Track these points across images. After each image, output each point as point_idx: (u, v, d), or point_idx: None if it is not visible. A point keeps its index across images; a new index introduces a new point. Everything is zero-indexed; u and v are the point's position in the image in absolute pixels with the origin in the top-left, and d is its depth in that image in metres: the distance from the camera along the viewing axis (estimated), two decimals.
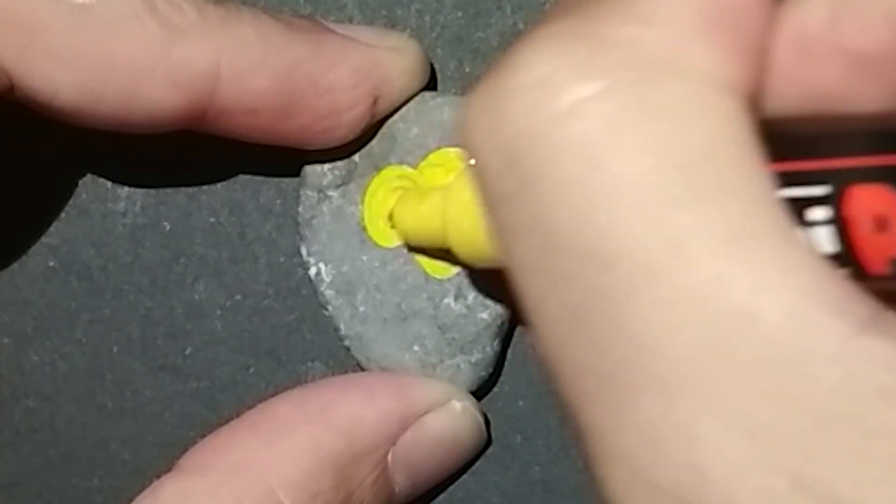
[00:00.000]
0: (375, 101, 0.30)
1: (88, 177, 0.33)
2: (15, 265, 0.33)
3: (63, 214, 0.33)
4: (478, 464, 0.33)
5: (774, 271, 0.18)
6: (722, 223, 0.18)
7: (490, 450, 0.33)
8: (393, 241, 0.31)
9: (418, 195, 0.30)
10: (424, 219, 0.29)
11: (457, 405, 0.31)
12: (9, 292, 0.33)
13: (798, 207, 0.19)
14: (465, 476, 0.33)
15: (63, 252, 0.33)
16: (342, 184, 0.31)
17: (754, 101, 0.20)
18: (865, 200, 0.18)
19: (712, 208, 0.18)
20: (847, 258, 0.19)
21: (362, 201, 0.31)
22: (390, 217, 0.31)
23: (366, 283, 0.31)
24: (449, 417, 0.31)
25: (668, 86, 0.19)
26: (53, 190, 0.33)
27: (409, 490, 0.31)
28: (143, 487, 0.29)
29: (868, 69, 0.20)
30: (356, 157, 0.31)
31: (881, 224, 0.18)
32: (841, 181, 0.19)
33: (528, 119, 0.19)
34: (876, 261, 0.18)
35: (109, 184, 0.33)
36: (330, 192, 0.32)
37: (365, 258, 0.31)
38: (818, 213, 0.19)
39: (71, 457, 0.34)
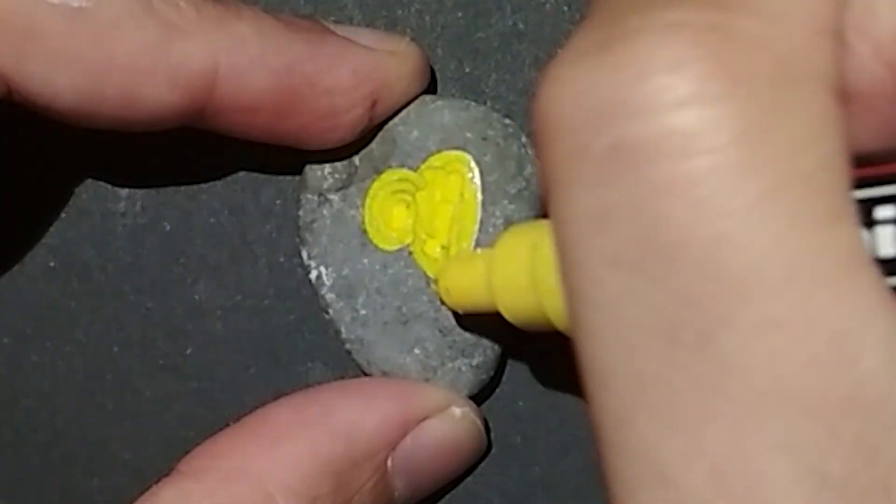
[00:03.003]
0: (374, 105, 0.30)
1: (88, 177, 0.33)
2: (15, 265, 0.33)
3: (63, 215, 0.33)
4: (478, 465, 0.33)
5: (877, 308, 0.17)
6: (838, 249, 0.17)
7: (491, 450, 0.33)
8: (393, 244, 0.31)
9: (466, 257, 0.29)
10: (470, 289, 0.28)
11: (456, 411, 0.31)
12: (9, 292, 0.33)
13: (867, 206, 0.19)
14: (465, 477, 0.33)
15: (63, 252, 0.33)
16: (342, 187, 0.31)
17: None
18: None
19: (831, 231, 0.17)
20: None
21: (363, 204, 0.31)
22: (435, 282, 0.30)
23: (366, 287, 0.31)
24: (449, 423, 0.31)
25: (799, 92, 0.18)
26: (53, 190, 0.33)
27: (409, 496, 0.31)
28: (143, 488, 0.29)
29: (860, 107, 0.19)
30: (356, 160, 0.31)
31: None
32: None
33: (652, 107, 0.18)
34: None
35: (109, 184, 0.33)
36: (330, 196, 0.31)
37: (366, 261, 0.31)
38: (887, 211, 0.19)
39: (71, 457, 0.34)
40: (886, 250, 0.18)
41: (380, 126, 0.31)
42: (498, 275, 0.27)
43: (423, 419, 0.30)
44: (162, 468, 0.30)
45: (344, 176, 0.31)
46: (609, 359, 0.18)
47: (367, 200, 0.31)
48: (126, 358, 0.34)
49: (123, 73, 0.28)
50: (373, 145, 0.31)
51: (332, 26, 0.30)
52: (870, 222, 0.19)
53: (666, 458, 0.18)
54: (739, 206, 0.17)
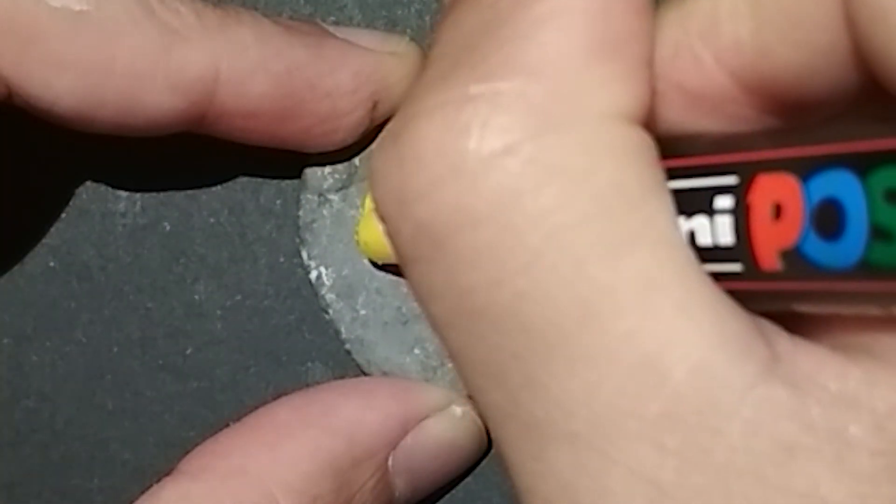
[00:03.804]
0: (375, 106, 0.30)
1: (88, 177, 0.33)
2: (15, 265, 0.33)
3: (63, 215, 0.33)
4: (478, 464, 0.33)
5: (682, 323, 0.18)
6: (630, 277, 0.18)
7: (490, 450, 0.33)
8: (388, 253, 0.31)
9: (375, 218, 0.30)
10: (384, 242, 0.29)
11: (457, 410, 0.31)
12: (9, 292, 0.33)
13: (708, 196, 0.19)
14: (465, 476, 0.33)
15: (63, 252, 0.33)
16: (343, 187, 0.31)
17: (652, 114, 0.20)
18: (767, 187, 0.19)
19: (621, 262, 0.18)
20: (743, 251, 0.19)
21: (362, 205, 0.31)
22: (356, 233, 0.31)
23: (366, 287, 0.31)
24: (449, 422, 0.31)
25: (567, 135, 0.19)
26: (53, 190, 0.33)
27: (409, 494, 0.31)
28: (143, 488, 0.29)
29: (705, 106, 0.20)
30: (357, 161, 0.31)
31: (778, 210, 0.18)
32: (748, 171, 0.19)
33: (432, 188, 0.19)
34: (768, 253, 0.19)
35: (109, 184, 0.33)
36: (330, 196, 0.31)
37: (366, 261, 0.31)
38: (725, 201, 0.19)
39: (71, 457, 0.34)
40: (725, 239, 0.19)
41: (381, 126, 0.31)
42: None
43: (424, 418, 0.31)
44: (162, 468, 0.30)
45: (344, 176, 0.31)
46: (475, 395, 0.20)
47: (360, 204, 0.31)
48: (126, 358, 0.34)
49: (124, 77, 0.28)
50: (373, 146, 0.31)
51: (331, 28, 0.30)
52: (711, 211, 0.19)
53: (529, 479, 0.19)
54: (528, 261, 0.18)
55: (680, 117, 0.20)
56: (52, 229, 0.33)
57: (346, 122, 0.30)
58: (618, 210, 0.18)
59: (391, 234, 0.20)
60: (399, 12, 0.32)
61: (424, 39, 0.32)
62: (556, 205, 0.18)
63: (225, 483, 0.29)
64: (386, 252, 0.30)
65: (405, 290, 0.31)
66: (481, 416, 0.21)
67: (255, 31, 0.28)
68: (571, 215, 0.18)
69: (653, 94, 0.20)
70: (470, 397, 0.20)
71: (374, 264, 0.31)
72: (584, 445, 0.18)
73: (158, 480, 0.29)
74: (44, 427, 0.34)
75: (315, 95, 0.29)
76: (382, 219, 0.20)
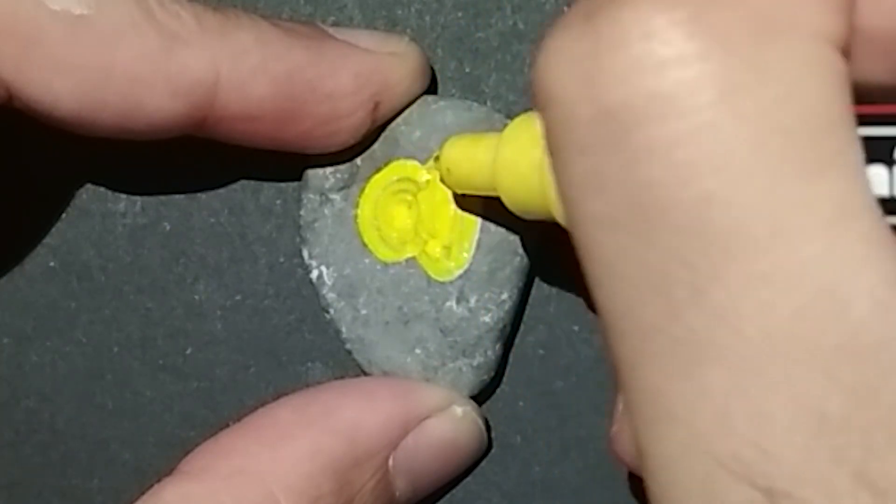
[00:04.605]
0: (376, 107, 0.30)
1: (89, 177, 0.33)
2: (15, 265, 0.33)
3: (63, 215, 0.33)
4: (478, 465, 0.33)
5: (870, 256, 0.18)
6: (825, 201, 0.18)
7: (491, 450, 0.33)
8: (394, 245, 0.31)
9: (471, 138, 0.29)
10: (476, 162, 0.28)
11: (458, 410, 0.31)
12: (9, 292, 0.33)
13: (889, 146, 0.19)
14: (465, 476, 0.33)
15: (63, 252, 0.33)
16: (344, 187, 0.31)
17: (848, 51, 0.19)
18: None
19: (817, 183, 0.18)
20: None
21: (358, 206, 0.31)
22: (436, 159, 0.30)
23: (367, 287, 0.31)
24: (450, 422, 0.31)
25: (779, 45, 0.18)
26: (53, 190, 0.33)
27: (410, 495, 0.31)
28: (143, 488, 0.29)
29: (881, 50, 0.20)
30: (358, 161, 0.31)
31: None
32: None
33: (634, 71, 0.18)
34: None
35: (110, 184, 0.33)
36: (332, 196, 0.31)
37: (367, 261, 0.31)
38: None
39: (71, 457, 0.34)
40: None
41: (382, 127, 0.31)
42: (503, 160, 0.26)
43: (425, 418, 0.31)
44: (162, 468, 0.30)
45: (346, 176, 0.31)
46: (615, 310, 0.19)
47: (362, 203, 0.31)
48: (126, 358, 0.34)
49: (124, 81, 0.28)
50: (375, 145, 0.31)
51: (331, 29, 0.30)
52: (890, 161, 0.19)
53: (673, 400, 0.18)
54: (719, 166, 0.18)
55: (857, 61, 0.20)
56: (52, 229, 0.33)
57: (348, 123, 0.30)
58: (821, 130, 0.18)
59: (560, 120, 0.19)
60: (399, 12, 0.32)
61: (424, 39, 0.32)
62: (762, 110, 0.18)
63: (225, 483, 0.29)
64: (471, 181, 0.28)
65: (406, 290, 0.31)
66: (613, 334, 0.19)
67: (256, 34, 0.28)
68: (775, 123, 0.18)
69: (851, 32, 0.19)
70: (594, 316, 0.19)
71: (455, 196, 0.31)
72: (747, 367, 0.18)
73: (158, 480, 0.29)
74: (44, 427, 0.34)
75: (316, 97, 0.29)
76: (551, 102, 0.19)
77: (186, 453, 0.30)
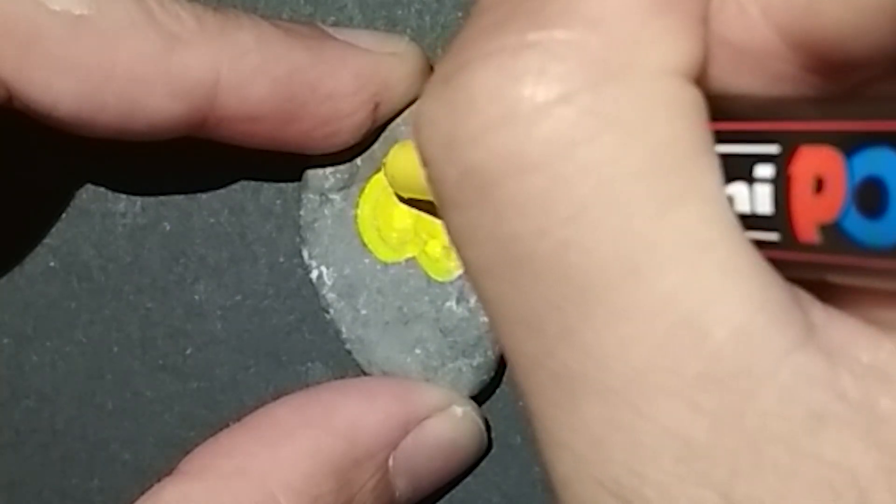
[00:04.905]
0: (376, 107, 0.30)
1: (88, 177, 0.33)
2: (15, 265, 0.33)
3: (63, 215, 0.33)
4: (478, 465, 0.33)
5: (726, 284, 0.18)
6: (677, 233, 0.18)
7: (491, 450, 0.33)
8: (393, 245, 0.31)
9: (405, 152, 0.29)
10: (413, 176, 0.29)
11: (458, 410, 0.31)
12: (9, 292, 0.33)
13: (749, 163, 0.19)
14: (465, 476, 0.33)
15: (63, 252, 0.33)
16: (344, 187, 0.31)
17: (704, 73, 0.20)
18: (810, 160, 0.18)
19: (669, 218, 0.18)
20: (781, 221, 0.19)
21: (358, 206, 0.31)
22: (383, 165, 0.31)
23: (367, 287, 0.31)
24: (450, 422, 0.31)
25: (618, 89, 0.18)
26: (53, 190, 0.33)
27: (410, 495, 0.31)
28: (143, 488, 0.29)
29: (748, 62, 0.20)
30: (358, 161, 0.31)
31: (819, 184, 0.18)
32: (791, 141, 0.19)
33: (484, 133, 0.19)
34: (807, 226, 0.18)
35: (109, 184, 0.33)
36: (332, 196, 0.31)
37: (367, 261, 0.31)
38: (766, 170, 0.19)
39: (71, 457, 0.34)
40: (763, 208, 0.19)
41: (382, 126, 0.31)
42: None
43: (425, 418, 0.31)
44: (162, 468, 0.30)
45: (346, 176, 0.31)
46: (504, 344, 0.20)
47: (362, 203, 0.31)
48: (126, 358, 0.34)
49: (124, 81, 0.28)
50: (375, 146, 0.31)
51: (331, 30, 0.30)
52: (750, 179, 0.19)
53: (558, 429, 0.19)
54: (574, 214, 0.18)
55: (723, 74, 0.20)
56: (52, 229, 0.33)
57: (348, 123, 0.30)
58: (669, 166, 0.18)
59: (434, 179, 0.20)
60: (399, 12, 0.32)
61: (424, 39, 0.32)
62: (608, 157, 0.18)
63: (225, 483, 0.29)
64: (412, 186, 0.29)
65: (406, 290, 0.31)
66: (510, 366, 0.20)
67: (256, 35, 0.28)
68: (623, 168, 0.18)
69: (706, 52, 0.20)
70: (501, 355, 0.19)
71: (400, 197, 0.31)
72: (617, 400, 0.18)
73: (158, 480, 0.29)
74: (44, 427, 0.34)
75: (316, 98, 0.29)
76: (425, 163, 0.20)
77: (186, 453, 0.30)
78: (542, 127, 0.18)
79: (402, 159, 0.30)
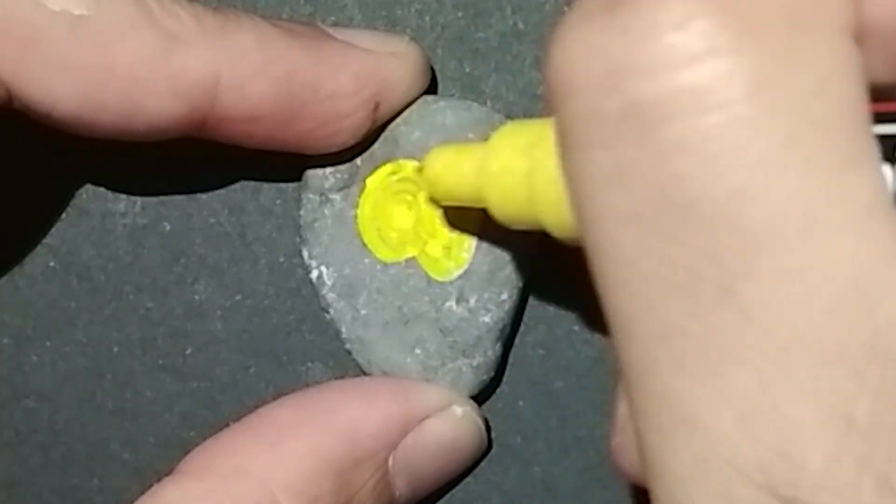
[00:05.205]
0: (376, 107, 0.30)
1: (88, 177, 0.33)
2: (15, 265, 0.33)
3: (63, 215, 0.33)
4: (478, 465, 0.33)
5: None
6: (857, 196, 0.17)
7: (491, 450, 0.33)
8: (393, 246, 0.31)
9: (454, 149, 0.28)
10: (461, 174, 0.27)
11: (458, 410, 0.31)
12: (9, 292, 0.33)
13: (892, 143, 0.19)
14: (465, 476, 0.33)
15: (63, 252, 0.33)
16: (344, 187, 0.31)
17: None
18: None
19: (849, 178, 0.17)
20: None
21: (357, 206, 0.31)
22: (419, 171, 0.30)
23: (367, 287, 0.31)
24: (450, 422, 0.31)
25: (810, 38, 0.18)
26: (53, 190, 0.33)
27: (410, 495, 0.31)
28: (143, 488, 0.29)
29: (883, 41, 0.19)
30: (358, 161, 0.31)
31: None
32: None
33: (663, 65, 0.18)
34: None
35: (109, 184, 0.33)
36: (332, 196, 0.31)
37: (367, 261, 0.31)
38: None
39: (71, 457, 0.34)
40: None
41: (382, 127, 0.31)
42: (491, 172, 0.26)
43: (425, 418, 0.31)
44: (162, 468, 0.30)
45: (346, 176, 0.31)
46: (631, 310, 0.19)
47: (362, 203, 0.31)
48: (126, 358, 0.34)
49: (124, 82, 0.28)
50: (375, 145, 0.31)
51: (331, 30, 0.30)
52: (894, 159, 0.19)
53: (693, 405, 0.18)
54: (753, 160, 0.17)
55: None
56: (52, 229, 0.33)
57: (348, 123, 0.30)
58: (850, 123, 0.18)
59: (581, 114, 0.19)
60: (399, 12, 0.32)
61: (424, 39, 0.32)
62: (795, 105, 0.17)
63: (226, 483, 0.29)
64: (456, 191, 0.28)
65: (406, 290, 0.31)
66: (626, 339, 0.18)
67: (256, 35, 0.28)
68: (809, 118, 0.17)
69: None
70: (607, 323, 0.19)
71: (439, 206, 0.30)
72: (774, 369, 0.17)
73: (158, 480, 0.29)
74: (44, 427, 0.34)
75: (316, 98, 0.29)
76: (570, 95, 0.19)
77: (186, 453, 0.30)
78: (729, 64, 0.17)
79: (444, 163, 0.28)
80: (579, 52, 0.18)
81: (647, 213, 0.18)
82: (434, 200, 0.30)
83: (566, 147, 0.19)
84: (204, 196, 0.33)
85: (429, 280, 0.31)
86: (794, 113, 0.17)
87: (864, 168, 0.18)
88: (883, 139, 0.19)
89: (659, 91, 0.18)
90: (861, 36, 0.19)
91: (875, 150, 0.18)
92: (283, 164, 0.31)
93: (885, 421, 0.17)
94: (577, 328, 0.33)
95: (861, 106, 0.18)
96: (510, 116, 0.31)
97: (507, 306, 0.31)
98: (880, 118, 0.19)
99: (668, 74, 0.18)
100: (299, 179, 0.32)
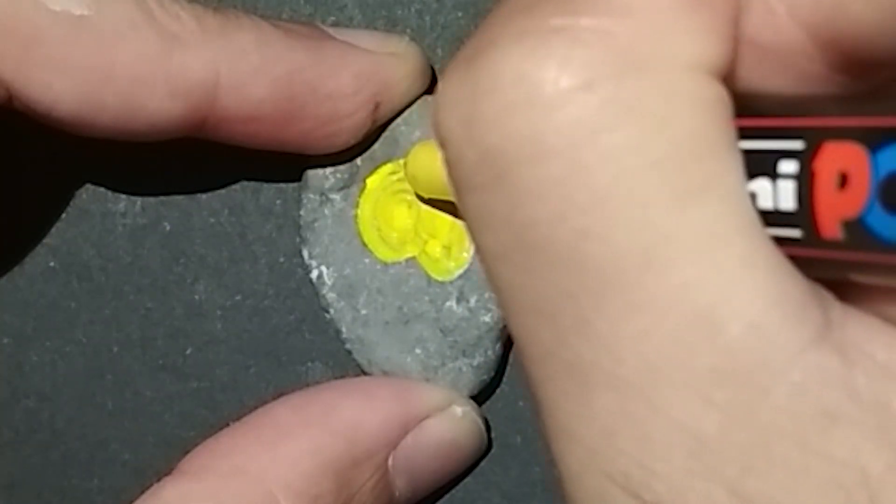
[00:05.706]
0: (376, 107, 0.30)
1: (88, 177, 0.33)
2: (15, 265, 0.33)
3: (63, 215, 0.33)
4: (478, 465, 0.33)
5: (742, 278, 0.18)
6: (695, 227, 0.18)
7: (491, 450, 0.33)
8: (393, 245, 0.31)
9: (427, 152, 0.29)
10: (439, 169, 0.28)
11: (457, 410, 0.31)
12: (9, 292, 0.33)
13: (773, 159, 0.19)
14: (465, 476, 0.33)
15: (63, 252, 0.33)
16: (344, 187, 0.31)
17: (731, 72, 0.19)
18: (834, 155, 0.18)
19: (687, 211, 0.18)
20: (804, 217, 0.19)
21: (358, 206, 0.31)
22: (404, 166, 0.31)
23: (367, 287, 0.31)
24: (449, 422, 0.31)
25: (645, 80, 0.18)
26: (53, 190, 0.33)
27: (409, 495, 0.31)
28: (143, 488, 0.29)
29: (775, 62, 0.20)
30: (358, 161, 0.31)
31: (843, 180, 0.18)
32: (815, 137, 0.19)
33: (505, 115, 0.18)
34: (830, 222, 0.18)
35: (109, 184, 0.33)
36: (332, 195, 0.31)
37: (367, 261, 0.31)
38: (790, 166, 0.19)
39: (71, 457, 0.34)
40: (787, 205, 0.19)
41: (382, 126, 0.31)
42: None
43: (425, 418, 0.31)
44: (162, 468, 0.30)
45: (346, 176, 0.31)
46: (517, 331, 0.20)
47: (362, 203, 0.31)
48: (126, 358, 0.34)
49: (124, 81, 0.28)
50: (375, 145, 0.31)
51: (331, 30, 0.30)
52: (774, 175, 0.19)
53: (569, 419, 0.19)
54: (594, 202, 0.18)
55: (749, 74, 0.20)
56: (52, 229, 0.33)
57: (348, 124, 0.30)
58: (690, 159, 0.18)
59: (452, 160, 0.20)
60: (399, 12, 0.32)
61: (424, 39, 0.32)
62: (629, 146, 0.18)
63: (225, 483, 0.29)
64: (434, 185, 0.29)
65: (406, 290, 0.31)
66: (521, 355, 0.20)
67: (256, 35, 0.28)
68: (644, 158, 0.18)
69: (735, 52, 0.19)
70: (509, 338, 0.19)
71: (420, 198, 0.31)
72: (629, 392, 0.18)
73: (158, 480, 0.29)
74: (44, 427, 0.34)
75: (316, 98, 0.29)
76: (444, 144, 0.20)
77: (186, 453, 0.30)
78: (563, 112, 0.18)
79: (423, 158, 0.29)
80: (444, 105, 0.19)
81: (509, 252, 0.19)
82: (419, 196, 0.30)
83: (452, 188, 0.20)
84: (204, 196, 0.33)
85: (429, 280, 0.31)
86: (629, 156, 0.18)
87: (706, 200, 0.18)
88: (763, 154, 0.19)
89: (503, 141, 0.19)
90: (752, 55, 0.20)
91: (733, 174, 0.19)
92: (283, 164, 0.31)
93: (736, 437, 0.18)
94: None
95: (708, 138, 0.19)
96: None
97: None
98: (761, 133, 0.19)
99: (509, 124, 0.18)
100: (299, 179, 0.32)
